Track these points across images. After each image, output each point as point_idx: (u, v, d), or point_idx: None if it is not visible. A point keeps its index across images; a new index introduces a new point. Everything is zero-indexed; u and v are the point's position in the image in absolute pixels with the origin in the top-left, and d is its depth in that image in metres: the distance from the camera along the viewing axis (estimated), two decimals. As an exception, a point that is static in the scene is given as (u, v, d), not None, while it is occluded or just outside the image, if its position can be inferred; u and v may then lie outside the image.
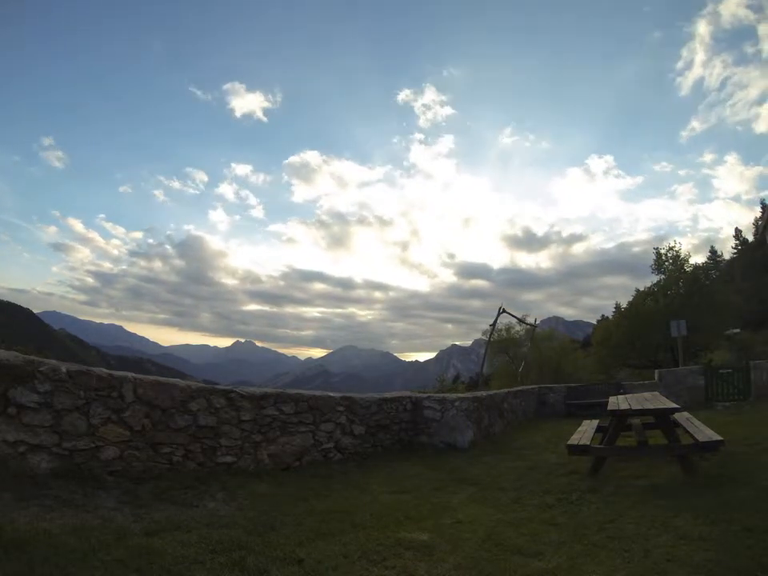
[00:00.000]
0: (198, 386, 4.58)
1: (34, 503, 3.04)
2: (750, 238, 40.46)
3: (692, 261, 23.00)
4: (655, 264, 23.77)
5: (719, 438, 4.57)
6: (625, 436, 5.83)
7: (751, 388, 11.01)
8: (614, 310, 27.62)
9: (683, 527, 3.22)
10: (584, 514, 3.71)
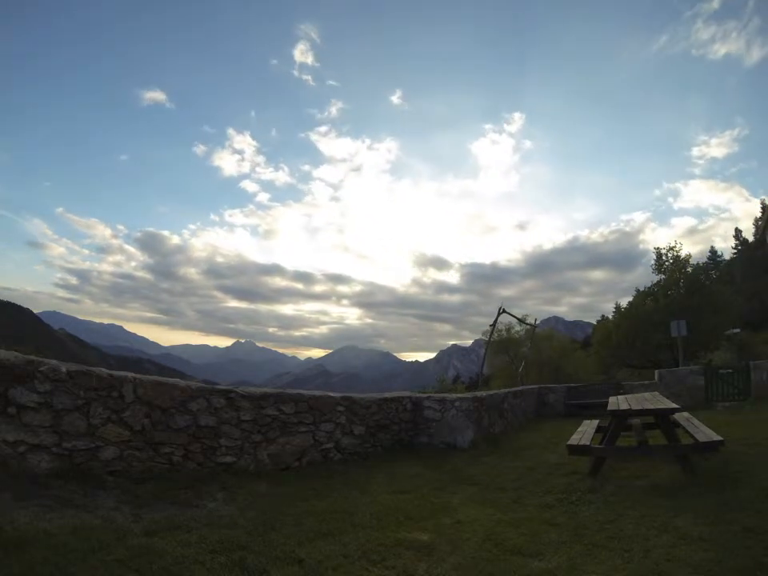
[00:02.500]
0: (198, 386, 4.58)
1: (33, 503, 3.04)
2: (750, 238, 40.46)
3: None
4: (656, 264, 23.82)
5: (719, 438, 4.57)
6: (625, 436, 5.83)
7: (751, 388, 11.01)
8: (613, 310, 27.65)
9: (683, 527, 3.22)
10: (584, 514, 3.71)
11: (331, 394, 5.97)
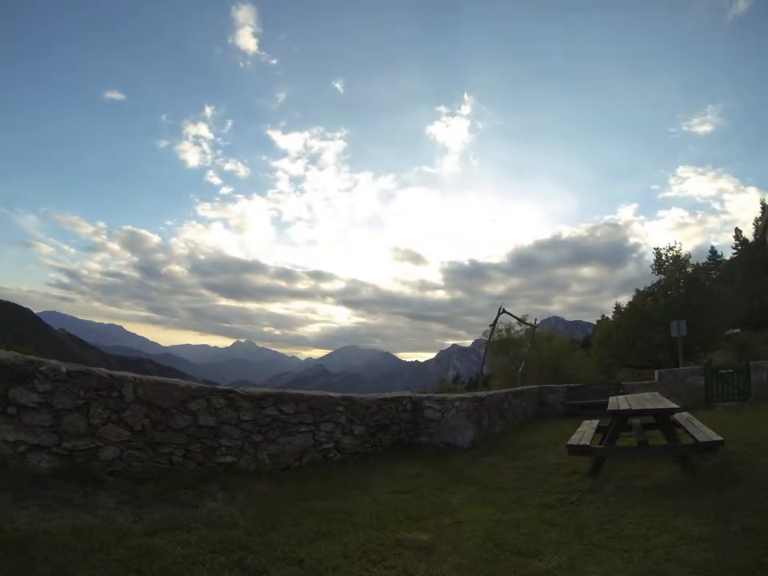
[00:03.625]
0: (198, 386, 4.58)
1: (33, 503, 3.04)
2: (750, 238, 40.46)
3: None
4: (655, 264, 23.86)
5: (719, 438, 4.57)
6: (625, 436, 5.83)
7: (751, 388, 11.01)
8: (613, 309, 27.71)
9: (683, 527, 3.22)
10: (584, 514, 3.70)
11: (331, 394, 5.96)
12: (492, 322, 22.43)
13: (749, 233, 41.88)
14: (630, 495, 4.12)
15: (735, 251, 42.30)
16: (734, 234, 44.03)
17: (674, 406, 5.15)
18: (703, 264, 28.46)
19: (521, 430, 9.34)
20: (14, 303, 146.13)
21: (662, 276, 23.57)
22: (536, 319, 27.75)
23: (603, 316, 35.84)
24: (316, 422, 5.54)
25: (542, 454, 6.38)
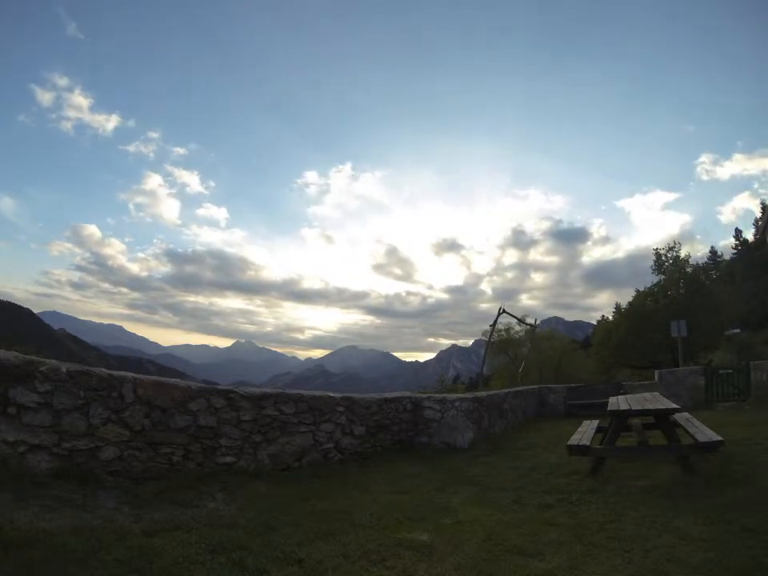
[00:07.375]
0: (198, 387, 4.58)
1: (34, 503, 3.04)
2: (750, 238, 40.46)
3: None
4: (655, 264, 23.91)
5: (719, 438, 4.57)
6: (625, 436, 5.83)
7: (751, 388, 11.01)
8: (613, 310, 27.74)
9: (683, 527, 3.22)
10: (584, 515, 3.70)
11: (331, 394, 5.96)
12: (492, 322, 22.44)
13: (749, 233, 41.94)
14: (630, 495, 4.12)
15: (735, 251, 42.30)
16: (734, 234, 44.08)
17: (674, 406, 5.15)
18: (703, 264, 28.52)
19: (521, 430, 9.34)
20: (14, 303, 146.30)
21: (662, 276, 23.61)
22: (536, 319, 27.79)
23: (603, 316, 35.90)
24: (316, 423, 5.54)
25: (542, 454, 6.38)
